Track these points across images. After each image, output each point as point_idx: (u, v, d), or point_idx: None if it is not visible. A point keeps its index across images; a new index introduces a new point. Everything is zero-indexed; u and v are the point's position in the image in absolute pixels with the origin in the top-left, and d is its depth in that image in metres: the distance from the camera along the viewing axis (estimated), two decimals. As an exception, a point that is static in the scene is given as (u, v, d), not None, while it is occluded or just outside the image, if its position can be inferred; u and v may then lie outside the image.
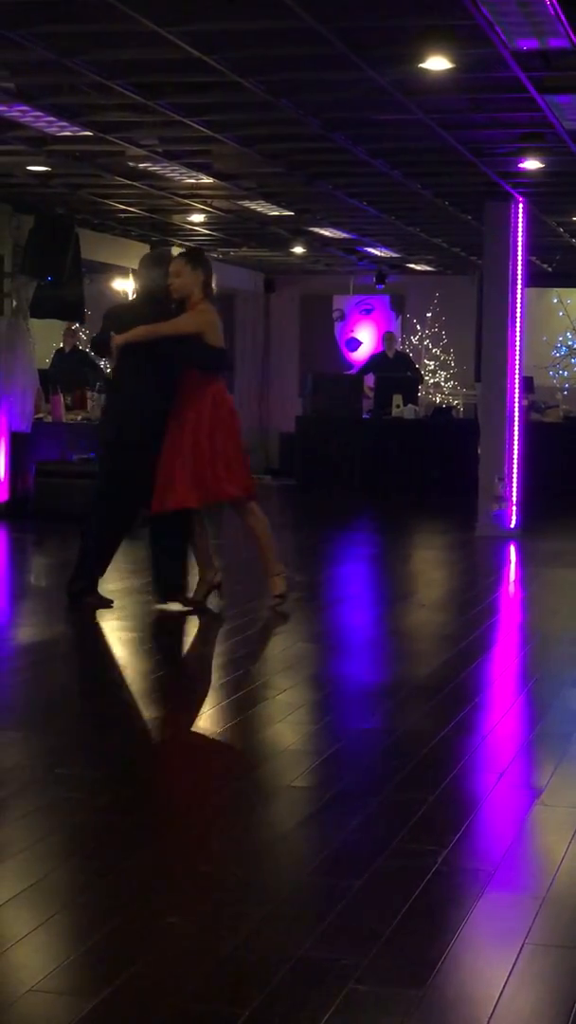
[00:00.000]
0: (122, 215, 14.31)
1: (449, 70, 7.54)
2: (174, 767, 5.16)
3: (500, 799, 4.73)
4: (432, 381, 19.80)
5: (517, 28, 6.71)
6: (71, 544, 8.64)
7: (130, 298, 16.43)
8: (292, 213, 13.74)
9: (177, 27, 6.92)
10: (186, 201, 13.04)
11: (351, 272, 19.85)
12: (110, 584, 8.18)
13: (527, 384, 14.50)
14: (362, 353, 20.11)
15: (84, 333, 16.42)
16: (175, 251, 15.70)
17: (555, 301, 19.42)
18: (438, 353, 20.01)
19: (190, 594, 8.06)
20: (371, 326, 20.40)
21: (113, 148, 10.23)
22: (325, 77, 8.05)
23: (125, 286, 16.75)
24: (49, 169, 11.40)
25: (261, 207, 13.33)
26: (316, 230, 15.19)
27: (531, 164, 10.49)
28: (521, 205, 12.08)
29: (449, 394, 19.47)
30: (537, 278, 16.60)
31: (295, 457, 16.71)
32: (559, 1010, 3.09)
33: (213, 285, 7.90)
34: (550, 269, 17.91)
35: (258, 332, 20.41)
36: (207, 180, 11.67)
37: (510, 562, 11.15)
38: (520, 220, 12.12)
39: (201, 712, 6.00)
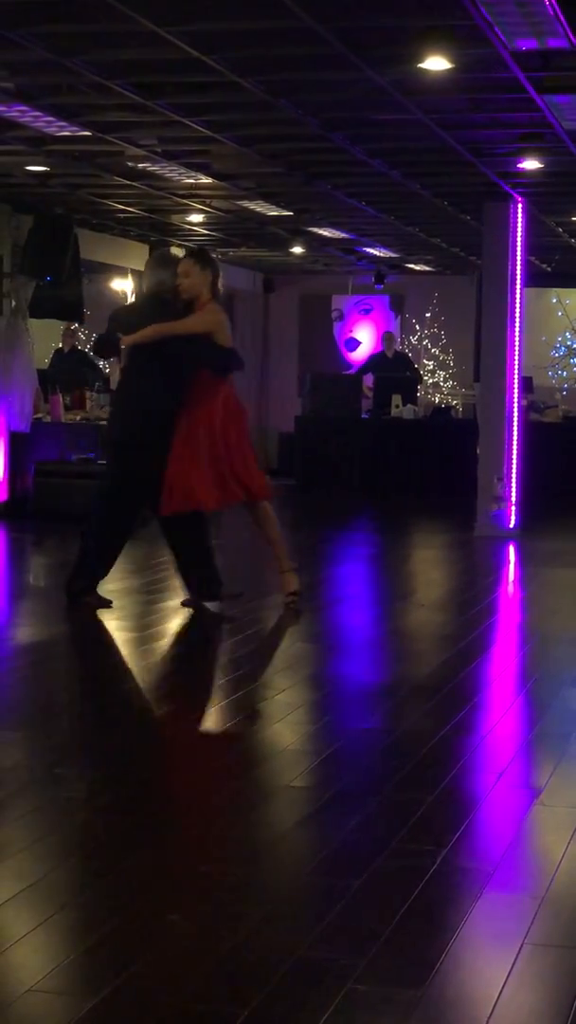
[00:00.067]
0: (121, 215, 14.31)
1: (448, 70, 7.54)
2: (173, 767, 5.16)
3: (499, 799, 4.73)
4: (431, 381, 19.80)
5: (516, 28, 6.71)
6: (70, 544, 8.64)
7: (130, 299, 16.48)
8: (291, 213, 13.74)
9: (176, 27, 6.92)
10: (185, 201, 13.05)
11: (350, 272, 19.85)
12: (110, 584, 8.18)
13: (526, 384, 14.49)
14: (361, 353, 20.12)
15: (83, 333, 16.43)
16: (174, 251, 15.71)
17: (554, 301, 19.42)
18: (437, 353, 20.02)
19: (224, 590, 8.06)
20: (370, 326, 20.40)
21: (112, 148, 10.23)
22: (324, 77, 8.05)
23: (124, 286, 16.76)
24: (48, 169, 11.40)
25: (260, 207, 13.33)
26: (315, 230, 15.19)
27: (530, 164, 10.50)
28: (520, 205, 12.08)
29: (448, 394, 19.47)
30: (536, 278, 16.61)
31: (294, 457, 16.70)
32: (558, 1010, 3.09)
33: (220, 285, 7.92)
34: (549, 269, 17.92)
35: (257, 332, 20.40)
36: (206, 180, 11.67)
37: (509, 562, 11.15)
38: (519, 220, 12.12)
39: (200, 712, 6.00)
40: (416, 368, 18.40)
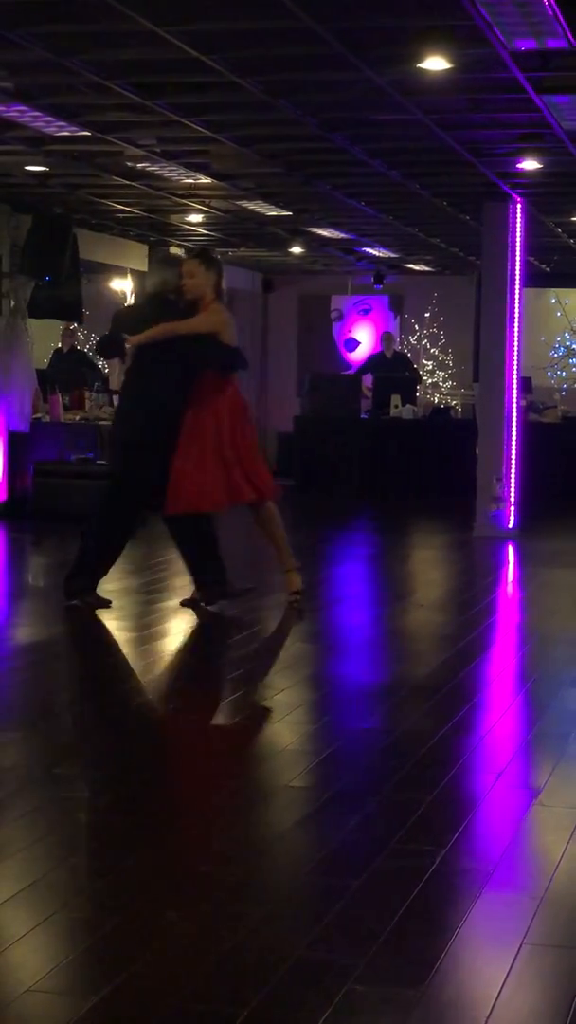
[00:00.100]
0: (120, 215, 14.30)
1: (447, 70, 7.54)
2: (173, 767, 5.15)
3: (498, 799, 4.73)
4: (430, 381, 19.80)
5: (515, 28, 6.71)
6: (69, 544, 8.63)
7: (129, 299, 16.48)
8: (290, 213, 13.74)
9: (176, 27, 6.92)
10: (184, 201, 13.04)
11: (349, 272, 19.85)
12: (108, 584, 8.18)
13: (525, 384, 14.49)
14: (360, 353, 20.12)
15: (82, 333, 16.43)
16: (173, 251, 15.69)
17: (553, 301, 19.43)
18: (436, 353, 20.02)
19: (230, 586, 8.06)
20: (369, 326, 20.40)
21: (111, 148, 10.23)
22: (323, 77, 8.05)
23: (123, 286, 16.75)
24: (47, 169, 11.40)
25: (259, 207, 13.33)
26: (314, 230, 15.19)
27: (529, 164, 10.50)
28: (519, 205, 12.08)
29: (447, 394, 19.47)
30: (535, 278, 16.60)
31: (293, 457, 16.69)
32: (557, 1010, 3.09)
33: (223, 285, 7.93)
34: (548, 269, 17.92)
35: (256, 332, 20.41)
36: (205, 180, 11.67)
37: (508, 562, 11.15)
38: (518, 220, 12.11)
39: (199, 712, 6.00)
40: (415, 368, 18.40)
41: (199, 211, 13.81)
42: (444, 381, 19.91)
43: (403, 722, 5.75)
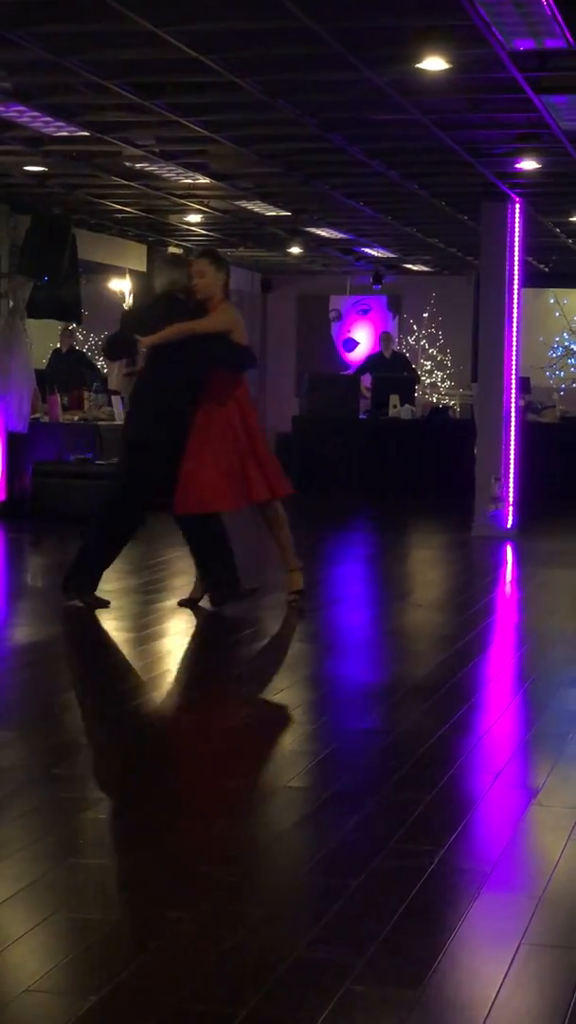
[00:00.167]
0: (119, 215, 14.30)
1: (446, 70, 7.54)
2: (171, 767, 5.15)
3: (497, 799, 4.73)
4: (429, 381, 19.81)
5: (514, 28, 6.71)
6: (68, 544, 8.64)
7: (128, 299, 16.48)
8: (289, 213, 13.74)
9: (174, 27, 6.92)
10: (183, 201, 13.05)
11: (348, 272, 19.86)
12: (107, 584, 8.17)
13: (523, 384, 14.49)
14: (359, 353, 20.12)
15: (81, 333, 16.43)
16: (172, 251, 15.67)
17: (552, 301, 19.44)
18: (435, 353, 20.03)
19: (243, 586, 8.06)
20: (368, 326, 20.41)
21: (110, 148, 10.23)
22: (322, 77, 8.05)
23: (122, 286, 16.75)
24: (46, 169, 11.40)
25: (258, 207, 13.33)
26: (313, 230, 15.19)
27: (528, 164, 10.50)
28: (518, 205, 12.08)
29: (446, 394, 19.47)
30: (534, 278, 16.61)
31: (291, 457, 16.67)
32: (556, 1011, 3.09)
33: (230, 284, 7.98)
34: (547, 269, 17.93)
35: (255, 332, 20.41)
36: (204, 180, 11.67)
37: (506, 562, 11.15)
38: (517, 220, 12.11)
39: (198, 712, 6.00)
40: (414, 368, 18.41)
41: (198, 211, 13.81)
42: (443, 381, 19.92)
43: (402, 722, 5.75)
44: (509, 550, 11.49)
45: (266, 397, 20.30)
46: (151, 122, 9.20)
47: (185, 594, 8.18)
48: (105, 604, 7.97)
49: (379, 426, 16.17)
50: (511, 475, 12.16)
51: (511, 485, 12.15)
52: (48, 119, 9.13)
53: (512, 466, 12.17)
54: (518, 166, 10.61)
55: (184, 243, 16.39)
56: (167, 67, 7.84)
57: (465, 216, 13.42)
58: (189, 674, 6.86)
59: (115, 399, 14.05)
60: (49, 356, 15.62)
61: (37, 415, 13.49)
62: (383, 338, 18.32)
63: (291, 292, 20.61)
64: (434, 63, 7.39)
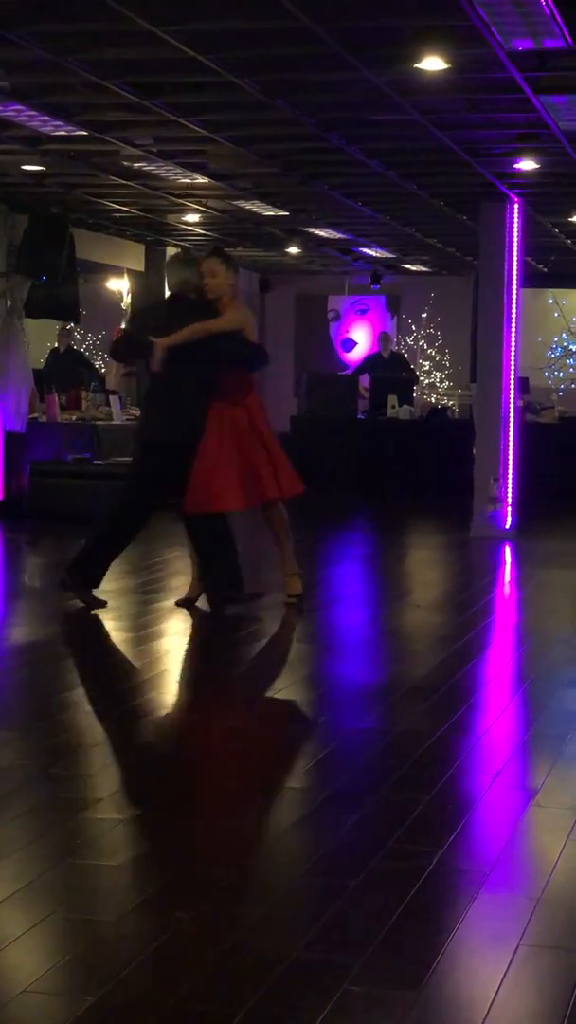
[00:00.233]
0: (117, 215, 14.30)
1: (445, 70, 7.54)
2: (169, 767, 5.14)
3: (495, 800, 4.73)
4: (427, 382, 19.80)
5: (513, 28, 6.71)
6: (66, 544, 8.63)
7: (126, 299, 16.47)
8: (287, 213, 13.74)
9: (173, 27, 6.91)
10: (181, 201, 13.04)
11: (346, 272, 19.85)
12: (105, 584, 8.15)
13: (522, 385, 14.49)
14: (357, 353, 20.12)
15: (79, 333, 16.42)
16: (170, 251, 15.65)
17: (550, 302, 19.44)
18: (433, 354, 20.02)
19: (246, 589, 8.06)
20: (366, 326, 20.40)
21: (108, 148, 10.22)
22: (321, 77, 8.05)
23: (120, 286, 16.74)
24: (44, 168, 11.39)
25: (256, 207, 13.33)
26: (311, 230, 15.19)
27: (527, 165, 10.49)
28: (516, 206, 12.08)
29: (444, 395, 19.48)
30: (532, 279, 16.61)
31: (290, 457, 16.67)
32: (554, 1011, 3.08)
33: (237, 284, 8.03)
34: (545, 270, 17.93)
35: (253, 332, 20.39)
36: (202, 180, 11.66)
37: (505, 563, 11.15)
38: (515, 221, 12.11)
39: (197, 712, 6.00)
40: (412, 369, 18.41)
41: (196, 211, 13.81)
42: (441, 381, 19.91)
43: (400, 722, 5.74)
44: (507, 550, 11.49)
45: (264, 397, 20.26)
46: (150, 122, 9.20)
47: (183, 594, 8.17)
48: (102, 604, 7.96)
49: (377, 426, 16.17)
50: (510, 475, 12.15)
51: (510, 485, 12.15)
52: (46, 118, 9.13)
53: (511, 466, 12.16)
54: (517, 166, 10.60)
55: (182, 243, 16.39)
56: (166, 67, 7.83)
57: (464, 216, 13.42)
58: (187, 674, 6.85)
59: (113, 399, 14.05)
60: (47, 356, 15.61)
61: (35, 415, 13.48)
62: (381, 338, 18.32)
63: (289, 292, 20.61)
64: (433, 63, 7.39)
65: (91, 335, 16.99)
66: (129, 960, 3.29)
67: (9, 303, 13.11)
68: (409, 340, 20.04)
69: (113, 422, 13.72)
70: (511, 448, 12.18)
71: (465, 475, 12.51)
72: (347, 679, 6.68)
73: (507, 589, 10.09)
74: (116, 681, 6.58)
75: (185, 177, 11.53)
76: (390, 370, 17.38)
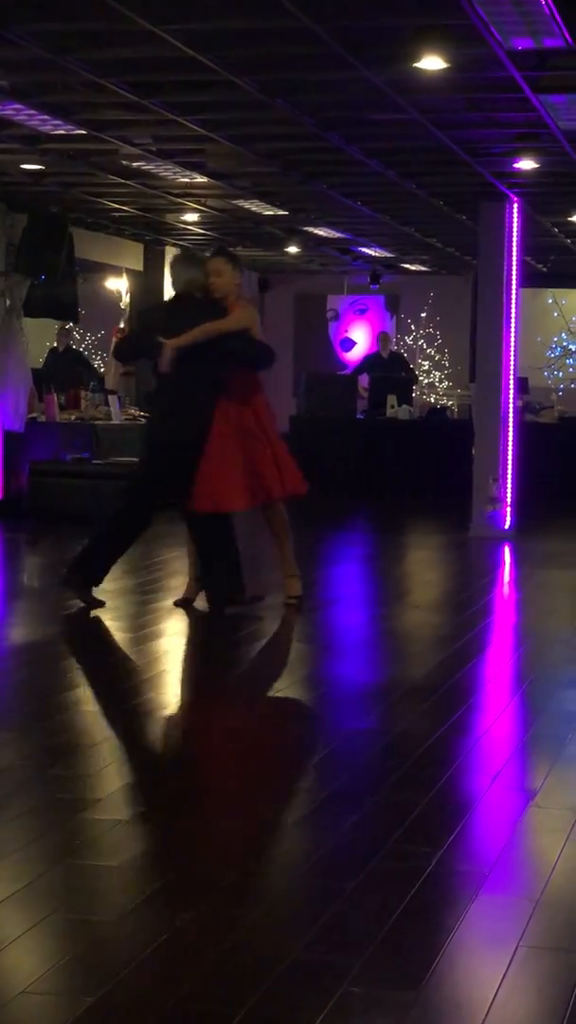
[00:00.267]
0: (116, 214, 14.30)
1: (444, 70, 7.54)
2: (168, 767, 5.14)
3: (494, 801, 4.72)
4: (426, 381, 19.80)
5: (512, 28, 6.70)
6: (65, 543, 8.63)
7: (125, 298, 16.46)
8: (286, 212, 13.73)
9: (172, 26, 6.91)
10: (180, 200, 13.04)
11: (345, 272, 19.85)
12: (104, 584, 8.15)
13: (522, 385, 14.49)
14: (356, 353, 20.11)
15: (78, 332, 16.41)
16: (169, 251, 15.62)
17: (550, 302, 19.43)
18: (432, 353, 20.02)
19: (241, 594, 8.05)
20: (365, 326, 20.40)
21: (107, 147, 10.22)
22: (320, 77, 8.05)
23: (119, 285, 16.74)
24: (43, 167, 11.39)
25: (255, 206, 13.32)
26: (311, 230, 15.19)
27: (526, 164, 10.49)
28: (516, 205, 12.07)
29: (444, 394, 19.47)
30: (532, 278, 16.60)
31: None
32: (553, 1013, 3.08)
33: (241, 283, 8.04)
34: (545, 269, 17.92)
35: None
36: (201, 179, 11.66)
37: (504, 563, 11.14)
38: (515, 220, 12.11)
39: (196, 712, 5.99)
40: (411, 368, 18.40)
41: (195, 210, 13.81)
42: (440, 381, 19.91)
43: (399, 723, 5.74)
44: (507, 551, 11.48)
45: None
46: (148, 121, 9.20)
47: (181, 595, 8.17)
48: (101, 604, 7.95)
49: (376, 426, 16.16)
50: (509, 475, 12.15)
51: (509, 485, 12.14)
52: (45, 117, 9.13)
53: (510, 466, 12.16)
54: (516, 166, 10.60)
55: (181, 242, 16.38)
56: (165, 66, 7.83)
57: (463, 216, 13.42)
58: (187, 674, 6.85)
59: (112, 398, 14.04)
60: (46, 355, 15.61)
61: (34, 414, 13.47)
62: (381, 338, 18.32)
63: (288, 291, 20.60)
64: (432, 62, 7.39)
65: (90, 334, 16.98)
66: (129, 960, 3.28)
67: (8, 302, 13.11)
68: (408, 340, 20.04)
69: (112, 422, 13.71)
70: (510, 448, 12.18)
71: (464, 475, 12.51)
72: (346, 679, 6.68)
73: (506, 589, 10.09)
74: (116, 681, 6.58)
75: (184, 176, 11.53)
76: (389, 370, 17.37)
